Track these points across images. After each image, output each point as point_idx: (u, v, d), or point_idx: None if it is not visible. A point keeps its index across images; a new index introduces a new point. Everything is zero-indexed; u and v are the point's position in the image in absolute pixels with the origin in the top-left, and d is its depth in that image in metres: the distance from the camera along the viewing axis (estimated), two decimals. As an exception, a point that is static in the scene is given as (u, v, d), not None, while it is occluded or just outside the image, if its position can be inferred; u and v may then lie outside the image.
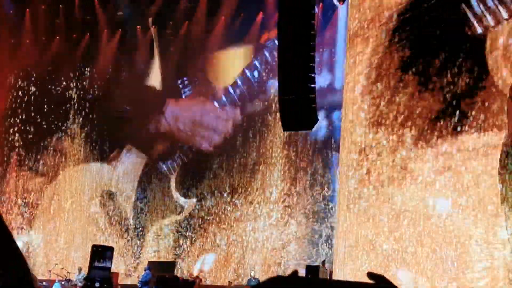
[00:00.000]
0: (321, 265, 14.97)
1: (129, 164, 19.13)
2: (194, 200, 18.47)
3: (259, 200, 17.63)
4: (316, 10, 14.45)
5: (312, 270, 14.11)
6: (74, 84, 19.58)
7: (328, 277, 14.30)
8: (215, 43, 19.51)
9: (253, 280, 15.75)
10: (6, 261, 1.33)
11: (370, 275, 1.21)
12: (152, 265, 16.43)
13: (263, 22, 18.63)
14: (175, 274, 16.28)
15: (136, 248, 18.27)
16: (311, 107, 12.76)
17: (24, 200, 19.40)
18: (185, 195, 18.47)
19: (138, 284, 15.64)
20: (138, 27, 19.40)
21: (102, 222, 18.74)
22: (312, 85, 12.86)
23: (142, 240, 18.43)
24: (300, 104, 12.79)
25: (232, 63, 19.42)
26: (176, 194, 18.48)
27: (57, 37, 19.14)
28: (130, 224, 18.73)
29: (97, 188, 19.12)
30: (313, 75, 12.93)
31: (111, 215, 18.75)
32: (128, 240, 18.49)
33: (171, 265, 17.25)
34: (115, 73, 20.04)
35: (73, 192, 19.26)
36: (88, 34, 19.64)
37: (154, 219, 18.51)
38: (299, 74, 12.87)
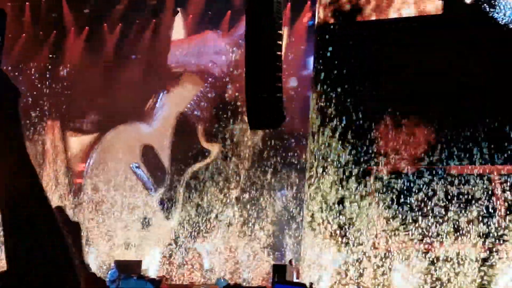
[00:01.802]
0: (288, 263, 15.04)
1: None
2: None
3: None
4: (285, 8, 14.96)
5: (279, 269, 14.23)
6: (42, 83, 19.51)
7: (296, 276, 14.56)
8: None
9: (222, 281, 15.78)
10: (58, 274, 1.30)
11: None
12: (118, 264, 16.43)
13: (231, 19, 18.60)
14: (141, 273, 16.19)
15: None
16: (279, 106, 12.86)
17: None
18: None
19: (107, 282, 15.10)
20: (105, 24, 19.40)
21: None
22: (279, 84, 12.91)
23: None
24: (268, 103, 12.84)
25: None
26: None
27: (23, 35, 19.13)
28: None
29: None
30: (280, 74, 13.03)
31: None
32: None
33: (137, 264, 17.20)
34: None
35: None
36: (55, 31, 19.61)
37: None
38: (267, 74, 12.92)
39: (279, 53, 13.13)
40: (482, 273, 13.38)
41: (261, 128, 15.21)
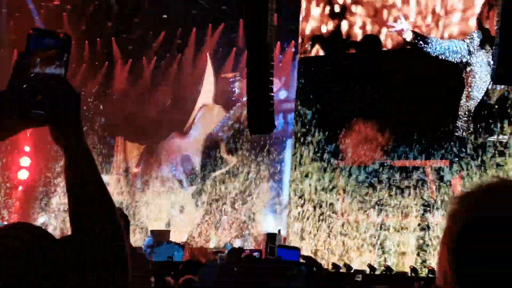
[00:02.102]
0: (277, 232, 15.66)
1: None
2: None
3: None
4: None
5: (270, 236, 14.67)
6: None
7: (282, 241, 15.45)
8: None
9: (229, 245, 16.96)
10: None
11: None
12: (152, 233, 18.01)
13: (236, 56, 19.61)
14: (169, 239, 17.52)
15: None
16: (271, 116, 13.43)
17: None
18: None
19: (142, 248, 16.44)
20: (143, 58, 20.77)
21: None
22: (271, 100, 13.41)
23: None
24: (264, 113, 13.40)
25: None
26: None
27: (83, 65, 20.62)
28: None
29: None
30: (272, 86, 13.49)
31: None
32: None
33: (167, 233, 18.59)
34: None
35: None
36: (107, 63, 21.07)
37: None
38: (262, 89, 13.39)
39: (271, 71, 13.37)
40: (421, 240, 14.38)
41: (258, 133, 15.07)
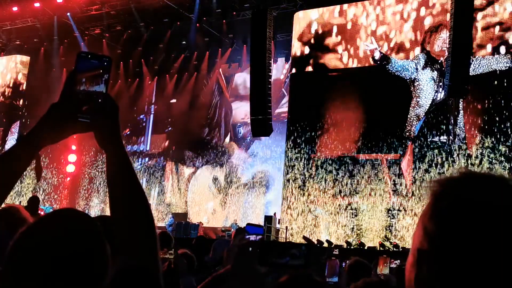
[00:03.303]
0: (273, 215, 15.35)
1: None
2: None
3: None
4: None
5: (267, 218, 14.73)
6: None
7: (277, 222, 15.21)
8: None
9: (235, 225, 16.47)
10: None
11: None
12: (173, 214, 18.28)
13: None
14: (187, 220, 17.69)
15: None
16: (269, 123, 14.19)
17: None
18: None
19: (166, 227, 16.67)
20: (167, 75, 20.78)
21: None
22: (269, 110, 14.14)
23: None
24: (263, 121, 14.11)
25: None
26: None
27: (119, 81, 20.68)
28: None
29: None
30: (269, 98, 14.12)
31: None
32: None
33: (185, 215, 18.75)
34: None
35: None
36: (137, 79, 21.09)
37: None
38: (262, 101, 14.05)
39: (269, 86, 14.18)
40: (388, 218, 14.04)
41: (259, 136, 15.89)
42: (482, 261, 0.91)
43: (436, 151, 13.87)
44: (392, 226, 14.23)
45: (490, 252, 0.91)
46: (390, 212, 14.33)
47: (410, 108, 14.22)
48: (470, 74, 12.13)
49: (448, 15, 12.55)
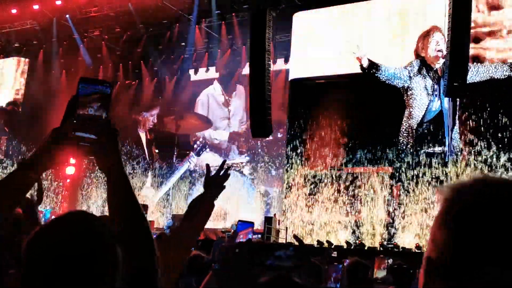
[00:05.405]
0: (273, 216, 15.29)
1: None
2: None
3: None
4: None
5: (268, 219, 14.68)
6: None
7: (277, 223, 14.94)
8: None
9: (235, 226, 14.95)
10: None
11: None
12: (172, 216, 17.66)
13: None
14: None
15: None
16: (269, 124, 14.09)
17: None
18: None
19: (164, 228, 16.31)
20: (166, 77, 20.73)
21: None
22: (269, 110, 13.94)
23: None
24: (263, 122, 14.01)
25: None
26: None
27: (118, 83, 20.44)
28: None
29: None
30: (269, 99, 13.97)
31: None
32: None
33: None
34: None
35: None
36: (137, 80, 20.99)
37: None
38: (262, 102, 13.91)
39: (269, 87, 14.07)
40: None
41: (259, 137, 15.71)
42: (493, 272, 0.87)
43: (430, 161, 13.33)
44: (392, 227, 14.02)
45: (502, 261, 0.87)
46: (390, 213, 14.11)
47: (404, 119, 13.52)
48: (468, 81, 11.76)
49: (446, 18, 12.35)
